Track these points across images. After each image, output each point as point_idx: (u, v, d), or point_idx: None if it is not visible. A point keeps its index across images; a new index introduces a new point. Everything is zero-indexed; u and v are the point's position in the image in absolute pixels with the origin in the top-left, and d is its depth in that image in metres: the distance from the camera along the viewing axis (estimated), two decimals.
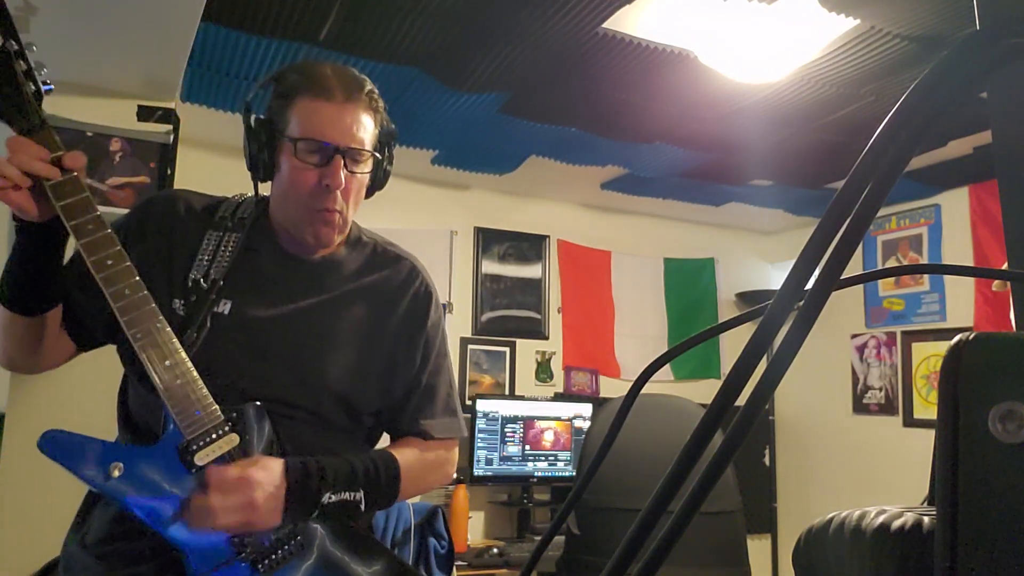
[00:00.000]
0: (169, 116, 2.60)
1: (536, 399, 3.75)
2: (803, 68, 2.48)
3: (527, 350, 4.00)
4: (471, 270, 3.94)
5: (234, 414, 1.09)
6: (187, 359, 1.06)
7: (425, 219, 3.84)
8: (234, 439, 1.08)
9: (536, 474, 3.66)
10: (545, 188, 4.02)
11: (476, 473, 3.54)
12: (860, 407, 3.99)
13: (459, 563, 3.12)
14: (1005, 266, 0.80)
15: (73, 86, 2.52)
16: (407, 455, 1.26)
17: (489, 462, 3.58)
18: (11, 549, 2.24)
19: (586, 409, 3.79)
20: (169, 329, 1.06)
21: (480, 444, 3.57)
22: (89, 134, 2.48)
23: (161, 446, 1.06)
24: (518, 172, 3.66)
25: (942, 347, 3.52)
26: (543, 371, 4.01)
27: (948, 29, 2.20)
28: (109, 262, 1.05)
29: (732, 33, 2.27)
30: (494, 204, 4.04)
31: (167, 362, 1.05)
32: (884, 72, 2.48)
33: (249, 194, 1.30)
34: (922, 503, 0.63)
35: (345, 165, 1.16)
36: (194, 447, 1.05)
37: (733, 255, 4.61)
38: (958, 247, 3.61)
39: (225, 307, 1.17)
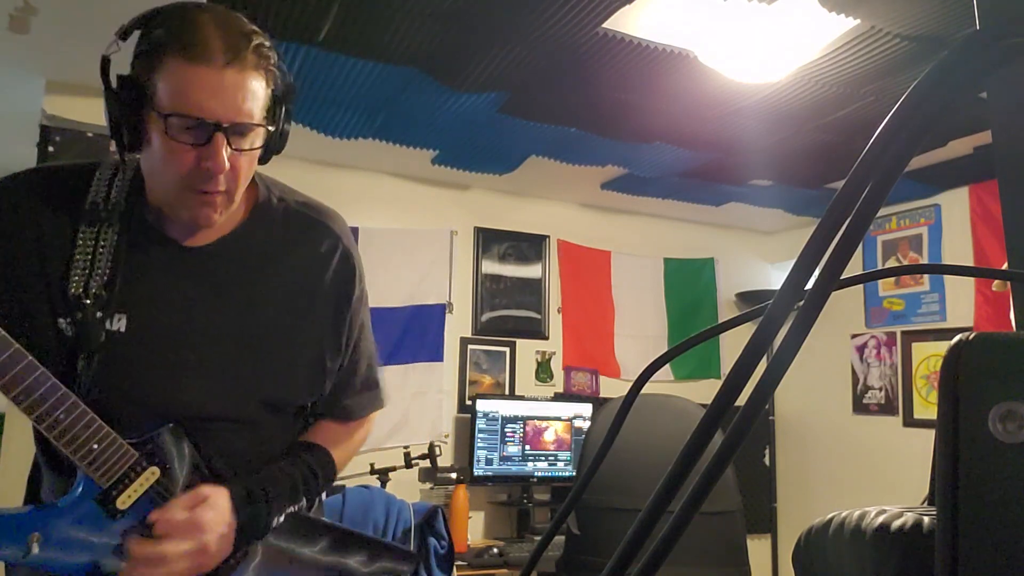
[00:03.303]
0: None
1: (536, 399, 3.75)
2: (803, 68, 2.47)
3: (527, 350, 4.00)
4: (471, 270, 3.94)
5: (149, 446, 1.00)
6: (81, 404, 0.93)
7: (425, 219, 3.84)
8: (155, 472, 0.99)
9: (536, 474, 3.66)
10: (545, 188, 4.02)
11: (476, 473, 3.54)
12: (860, 407, 3.99)
13: (459, 563, 3.12)
14: (1005, 266, 0.80)
15: (73, 86, 2.52)
16: (338, 444, 1.22)
17: (489, 462, 3.58)
18: None
19: (586, 409, 3.79)
20: (54, 380, 0.92)
21: (480, 444, 3.57)
22: (89, 134, 2.48)
23: (77, 500, 0.97)
24: (518, 172, 3.66)
25: (942, 347, 3.52)
26: (543, 371, 4.01)
27: (948, 29, 2.20)
28: None
29: (732, 33, 2.27)
30: (494, 204, 4.04)
31: (60, 415, 0.92)
32: (884, 72, 2.48)
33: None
34: (922, 503, 0.63)
35: (229, 143, 0.96)
36: (114, 492, 0.97)
37: (733, 255, 4.61)
38: (958, 247, 3.61)
39: (120, 323, 1.01)
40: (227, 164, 0.96)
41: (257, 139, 1.02)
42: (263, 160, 1.08)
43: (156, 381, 1.03)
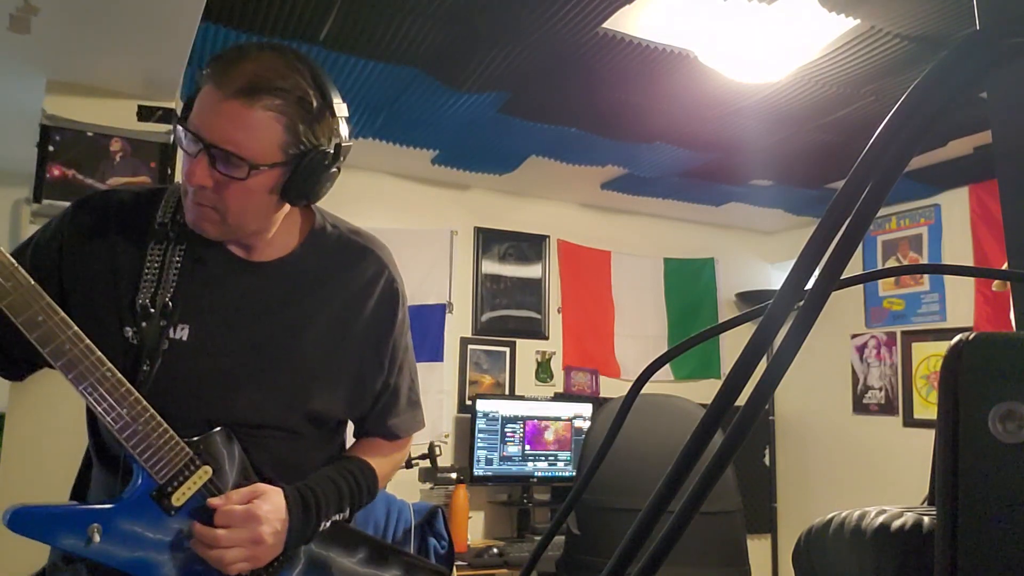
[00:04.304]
0: (169, 116, 2.60)
1: (536, 399, 3.75)
2: (803, 68, 2.47)
3: (527, 350, 4.00)
4: (471, 270, 3.94)
5: (201, 446, 1.06)
6: (143, 401, 1.00)
7: (425, 219, 3.84)
8: (207, 471, 1.05)
9: (536, 474, 3.66)
10: (545, 188, 4.02)
11: (476, 473, 3.54)
12: (860, 407, 3.99)
13: (459, 563, 3.12)
14: (1005, 266, 0.80)
15: (73, 86, 2.51)
16: (380, 459, 1.27)
17: (489, 462, 3.58)
18: (11, 549, 2.23)
19: (586, 409, 3.79)
20: (119, 375, 1.00)
21: (480, 444, 3.57)
22: (89, 134, 2.48)
23: (135, 495, 1.02)
24: (518, 172, 3.66)
25: (942, 347, 3.51)
26: (543, 371, 4.01)
27: (948, 29, 2.20)
28: (40, 319, 0.96)
29: (732, 33, 2.27)
30: (494, 204, 4.04)
31: (123, 410, 0.99)
32: (884, 72, 2.48)
33: None
34: (922, 503, 0.63)
35: (215, 164, 1.00)
36: (169, 489, 1.02)
37: (733, 255, 4.61)
38: (958, 247, 3.61)
39: (183, 332, 1.08)
40: (202, 179, 1.00)
41: (241, 173, 1.01)
42: (290, 201, 1.09)
43: (212, 387, 1.09)
